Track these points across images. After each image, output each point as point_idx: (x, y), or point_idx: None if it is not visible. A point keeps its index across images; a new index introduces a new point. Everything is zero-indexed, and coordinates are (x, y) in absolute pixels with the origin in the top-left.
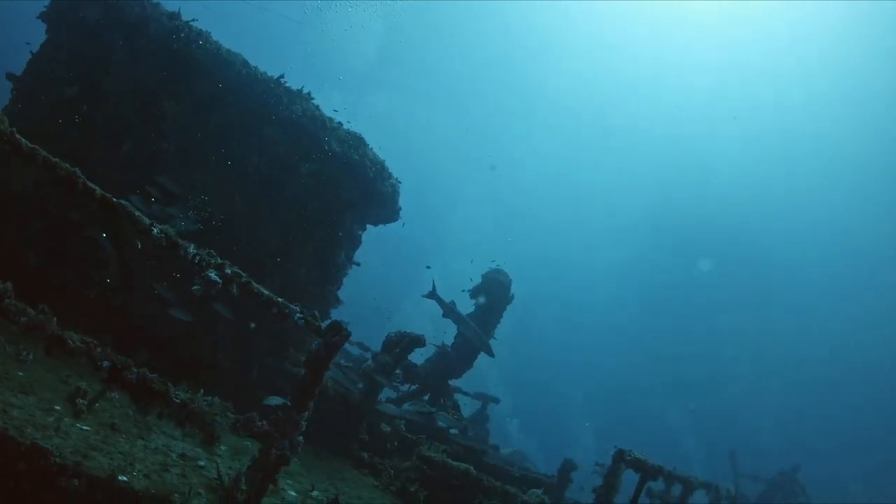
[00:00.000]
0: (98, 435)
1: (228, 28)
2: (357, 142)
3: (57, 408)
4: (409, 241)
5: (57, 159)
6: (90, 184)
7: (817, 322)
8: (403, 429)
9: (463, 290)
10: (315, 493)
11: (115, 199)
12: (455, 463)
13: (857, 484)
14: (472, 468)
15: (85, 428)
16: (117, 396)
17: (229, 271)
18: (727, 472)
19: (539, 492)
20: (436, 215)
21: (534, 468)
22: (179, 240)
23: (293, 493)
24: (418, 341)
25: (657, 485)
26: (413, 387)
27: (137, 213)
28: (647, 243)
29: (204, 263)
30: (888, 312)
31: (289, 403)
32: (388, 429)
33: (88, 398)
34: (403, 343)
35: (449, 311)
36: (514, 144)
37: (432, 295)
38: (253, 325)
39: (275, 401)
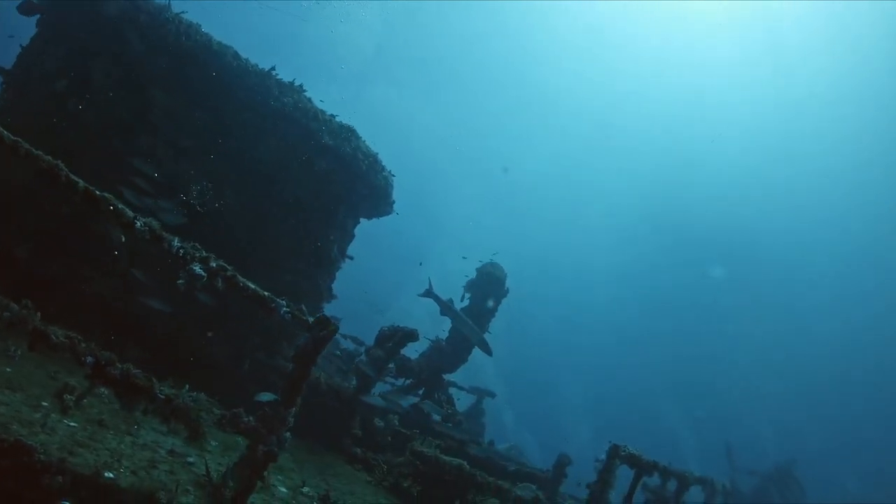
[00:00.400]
0: (85, 431)
1: (223, 26)
2: (349, 134)
3: (44, 404)
4: (406, 236)
5: (39, 152)
6: (73, 176)
7: (817, 323)
8: (397, 423)
9: (463, 287)
10: (306, 489)
11: (98, 192)
12: (448, 458)
13: (856, 482)
14: (465, 463)
15: (72, 424)
16: (106, 392)
17: (214, 264)
18: (724, 469)
19: (534, 487)
20: (434, 212)
21: (529, 463)
22: (163, 233)
23: (284, 490)
24: (411, 335)
25: (653, 480)
26: (407, 381)
27: (121, 206)
28: (647, 244)
29: (188, 257)
30: (888, 313)
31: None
32: (382, 423)
33: (76, 394)
34: (396, 337)
35: (446, 308)
36: (514, 143)
37: (429, 293)
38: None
39: (266, 397)
